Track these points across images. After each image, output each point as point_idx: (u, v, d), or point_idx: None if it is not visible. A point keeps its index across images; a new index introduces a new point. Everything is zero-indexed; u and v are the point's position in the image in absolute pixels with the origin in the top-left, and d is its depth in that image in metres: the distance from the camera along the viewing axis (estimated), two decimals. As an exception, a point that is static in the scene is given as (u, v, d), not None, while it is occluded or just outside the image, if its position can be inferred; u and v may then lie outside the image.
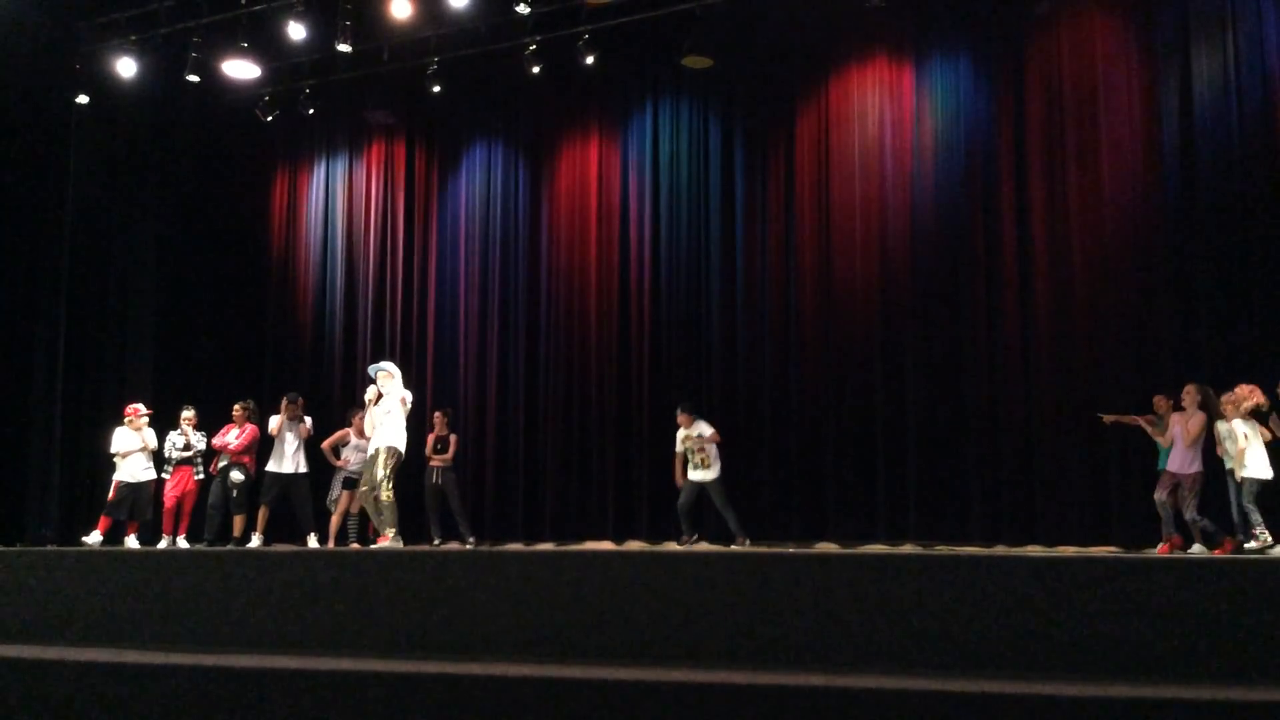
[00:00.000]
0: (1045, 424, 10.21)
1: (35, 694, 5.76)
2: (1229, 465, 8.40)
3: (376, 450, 8.78)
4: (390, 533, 8.59)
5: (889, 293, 11.00)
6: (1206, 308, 9.73)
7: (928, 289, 10.84)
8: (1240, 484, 8.25)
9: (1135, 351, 9.98)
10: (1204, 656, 4.95)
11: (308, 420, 10.80)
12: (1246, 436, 8.25)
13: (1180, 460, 8.64)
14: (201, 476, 10.72)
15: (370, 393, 9.03)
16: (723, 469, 10.49)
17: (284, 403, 10.70)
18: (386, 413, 8.84)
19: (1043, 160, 10.55)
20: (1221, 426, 8.45)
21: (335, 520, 11.00)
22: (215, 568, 7.02)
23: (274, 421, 10.58)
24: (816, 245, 11.39)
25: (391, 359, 13.22)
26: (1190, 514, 8.58)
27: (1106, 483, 9.89)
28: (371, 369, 9.25)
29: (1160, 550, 8.60)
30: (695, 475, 10.43)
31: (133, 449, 10.37)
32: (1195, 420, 8.59)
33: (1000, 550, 9.40)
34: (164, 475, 10.63)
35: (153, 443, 10.49)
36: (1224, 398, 8.43)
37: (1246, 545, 8.06)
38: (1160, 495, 8.71)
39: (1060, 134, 10.48)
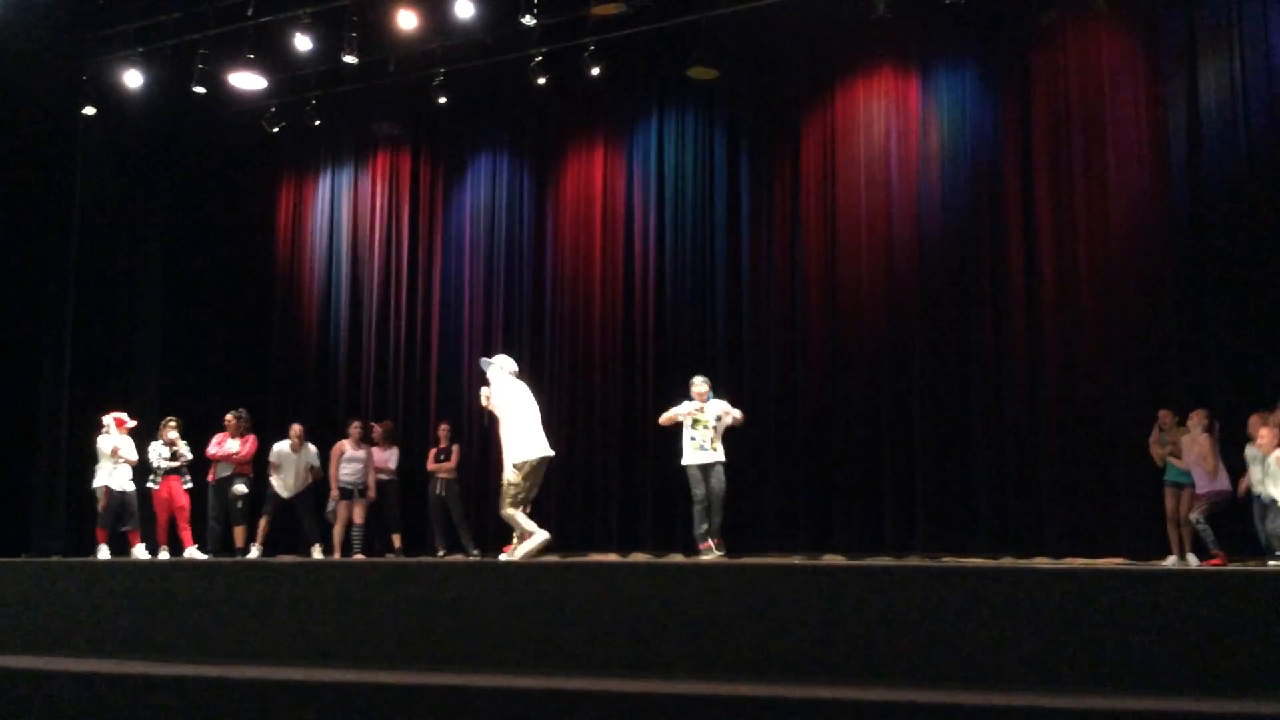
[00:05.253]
0: (1052, 435, 10.17)
1: (40, 705, 5.76)
2: (1256, 491, 8.34)
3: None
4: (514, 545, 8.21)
5: (895, 303, 10.97)
6: (1214, 318, 9.69)
7: (934, 300, 10.81)
8: (1269, 511, 8.19)
9: (1143, 362, 9.93)
10: (1212, 668, 4.92)
11: (311, 448, 10.86)
12: None
13: (1202, 482, 8.71)
14: (190, 486, 10.55)
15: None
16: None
17: (292, 430, 10.90)
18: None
19: (1049, 170, 10.52)
20: (1250, 450, 8.40)
21: (338, 531, 11.00)
22: (219, 579, 7.02)
23: (276, 452, 10.72)
24: (822, 255, 11.36)
25: (395, 369, 13.32)
26: (1195, 514, 8.64)
27: (1114, 494, 9.84)
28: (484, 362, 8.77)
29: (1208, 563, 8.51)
30: (706, 458, 9.24)
31: (110, 457, 10.24)
32: (1204, 440, 8.64)
33: (1007, 562, 9.35)
34: (150, 485, 10.40)
35: (127, 451, 10.33)
36: (1261, 429, 8.32)
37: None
38: (1194, 515, 8.74)
39: (1066, 144, 10.46)
